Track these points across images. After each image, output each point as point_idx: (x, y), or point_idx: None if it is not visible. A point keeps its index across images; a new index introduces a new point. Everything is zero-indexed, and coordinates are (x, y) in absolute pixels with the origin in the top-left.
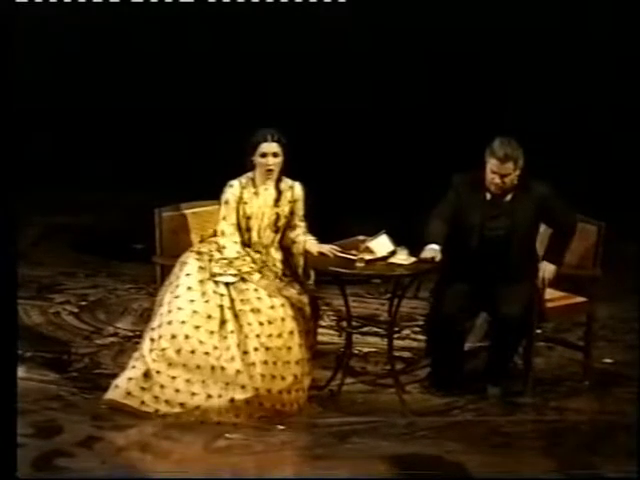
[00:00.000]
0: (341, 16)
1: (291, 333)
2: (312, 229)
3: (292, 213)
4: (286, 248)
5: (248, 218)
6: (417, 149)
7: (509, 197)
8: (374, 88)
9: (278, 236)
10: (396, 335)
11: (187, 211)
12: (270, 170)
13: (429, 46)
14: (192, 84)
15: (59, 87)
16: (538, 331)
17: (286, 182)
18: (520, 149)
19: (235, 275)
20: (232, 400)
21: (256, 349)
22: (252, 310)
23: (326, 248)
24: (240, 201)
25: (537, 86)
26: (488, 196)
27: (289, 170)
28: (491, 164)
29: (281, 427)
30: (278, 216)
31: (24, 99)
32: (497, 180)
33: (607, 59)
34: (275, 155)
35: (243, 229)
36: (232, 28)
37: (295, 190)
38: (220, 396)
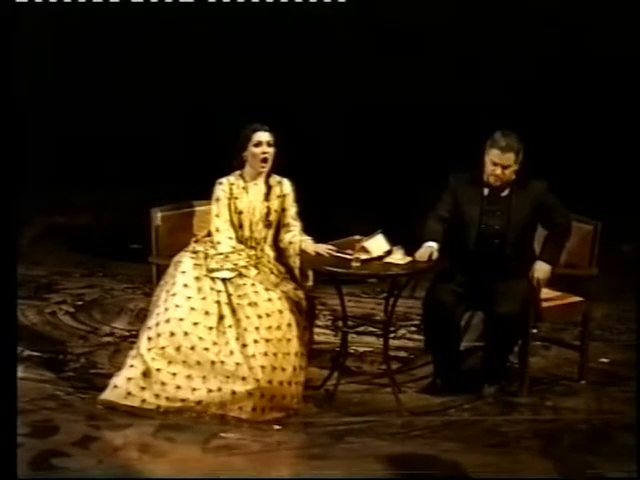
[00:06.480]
0: (341, 16)
1: (289, 325)
2: (307, 229)
3: (283, 210)
4: (283, 250)
5: (240, 213)
6: (414, 148)
7: (506, 192)
8: (372, 87)
9: (270, 232)
10: (392, 335)
11: (183, 211)
12: (265, 160)
13: (428, 46)
14: (190, 83)
15: (59, 87)
16: (534, 330)
17: (275, 178)
18: (521, 143)
19: (232, 270)
20: (233, 392)
21: (255, 341)
22: (250, 304)
23: (322, 248)
24: (231, 197)
25: (536, 86)
26: (485, 192)
27: (285, 169)
28: (492, 155)
29: (277, 427)
30: (269, 210)
31: (24, 99)
32: (498, 171)
33: (606, 59)
34: (269, 144)
35: (236, 225)
36: (232, 28)
37: (284, 185)
38: (220, 389)
